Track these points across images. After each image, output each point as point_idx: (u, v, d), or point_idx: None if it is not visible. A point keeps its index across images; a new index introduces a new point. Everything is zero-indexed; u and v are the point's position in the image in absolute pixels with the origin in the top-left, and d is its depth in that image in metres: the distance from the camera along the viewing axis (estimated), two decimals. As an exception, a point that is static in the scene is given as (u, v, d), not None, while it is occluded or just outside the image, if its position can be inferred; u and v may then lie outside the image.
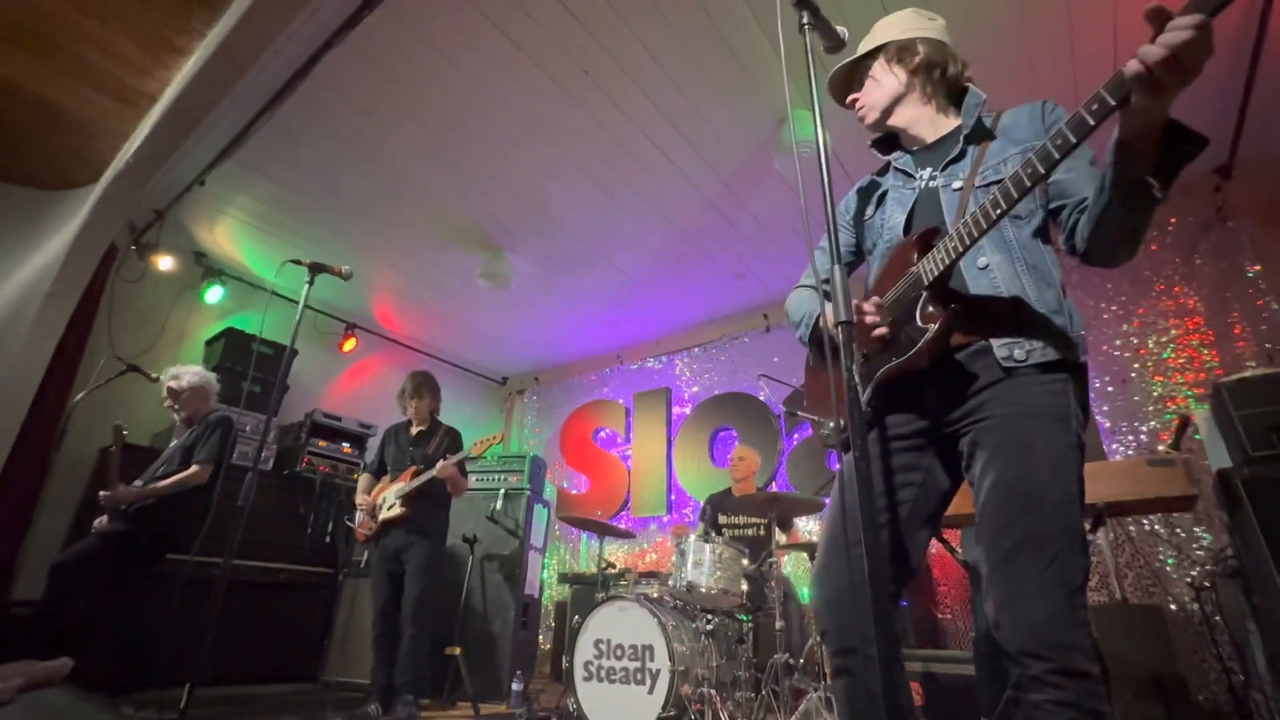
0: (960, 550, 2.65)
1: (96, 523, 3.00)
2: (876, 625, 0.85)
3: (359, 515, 3.34)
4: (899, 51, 1.33)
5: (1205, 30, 0.77)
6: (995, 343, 1.09)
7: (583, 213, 4.00)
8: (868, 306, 1.17)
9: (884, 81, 1.34)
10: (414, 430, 3.47)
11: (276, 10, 2.45)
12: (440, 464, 3.13)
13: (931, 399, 1.17)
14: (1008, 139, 1.22)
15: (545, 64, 2.93)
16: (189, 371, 3.35)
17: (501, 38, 2.79)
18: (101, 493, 2.92)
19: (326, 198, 3.91)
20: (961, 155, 1.26)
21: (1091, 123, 0.88)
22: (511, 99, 3.13)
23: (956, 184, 1.22)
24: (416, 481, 3.17)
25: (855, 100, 1.40)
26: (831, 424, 1.27)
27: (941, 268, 1.09)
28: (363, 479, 3.48)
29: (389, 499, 3.23)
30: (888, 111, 1.35)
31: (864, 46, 1.38)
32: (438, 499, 3.27)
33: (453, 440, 3.40)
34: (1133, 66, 0.81)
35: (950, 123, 1.32)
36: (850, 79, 1.42)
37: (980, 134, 1.25)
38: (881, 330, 1.15)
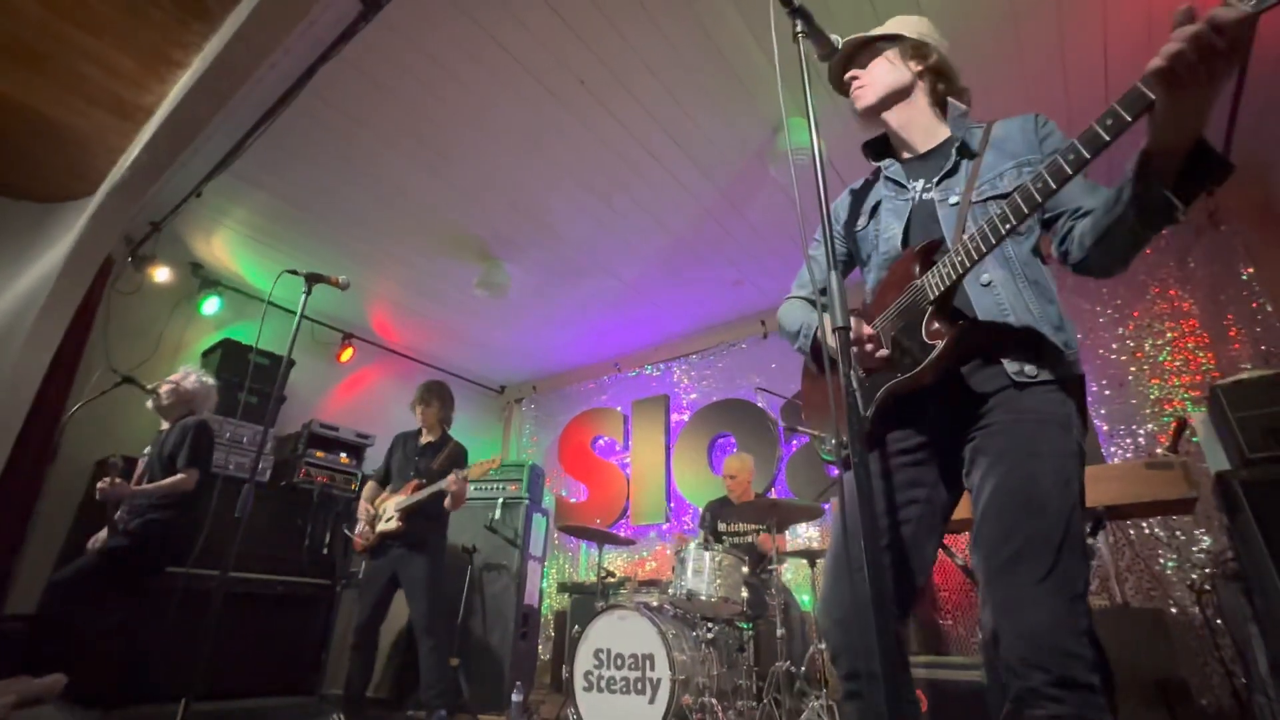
0: (959, 556, 2.65)
1: (91, 541, 2.97)
2: (882, 648, 0.84)
3: (359, 524, 3.31)
4: (915, 48, 1.32)
5: (1218, 28, 0.74)
6: (1005, 360, 1.09)
7: (580, 222, 4.01)
8: (867, 331, 1.17)
9: (891, 70, 1.32)
10: (423, 440, 3.45)
11: (273, 24, 2.46)
12: (450, 478, 3.11)
13: (934, 413, 1.16)
14: (1000, 152, 1.21)
15: (541, 75, 2.94)
16: (194, 375, 3.34)
17: (497, 49, 2.81)
18: (99, 483, 2.87)
19: (323, 209, 3.91)
20: (955, 169, 1.25)
21: (1106, 138, 0.87)
22: (507, 110, 3.14)
23: (953, 198, 1.21)
24: (418, 496, 3.14)
25: (854, 77, 1.35)
26: (832, 440, 1.26)
27: (948, 283, 1.08)
28: (368, 487, 3.46)
29: (388, 511, 3.20)
30: (885, 102, 1.33)
31: (880, 31, 1.35)
32: (435, 514, 3.25)
33: (459, 457, 3.39)
34: (1154, 61, 0.79)
35: (942, 132, 1.32)
36: (853, 58, 1.37)
37: (968, 151, 1.26)
38: (884, 353, 1.15)
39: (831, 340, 0.98)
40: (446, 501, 3.18)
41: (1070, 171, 0.91)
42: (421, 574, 3.08)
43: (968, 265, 1.05)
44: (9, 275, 3.60)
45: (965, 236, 1.07)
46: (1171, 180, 0.88)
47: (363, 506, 3.33)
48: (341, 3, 2.48)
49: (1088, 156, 0.89)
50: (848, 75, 1.36)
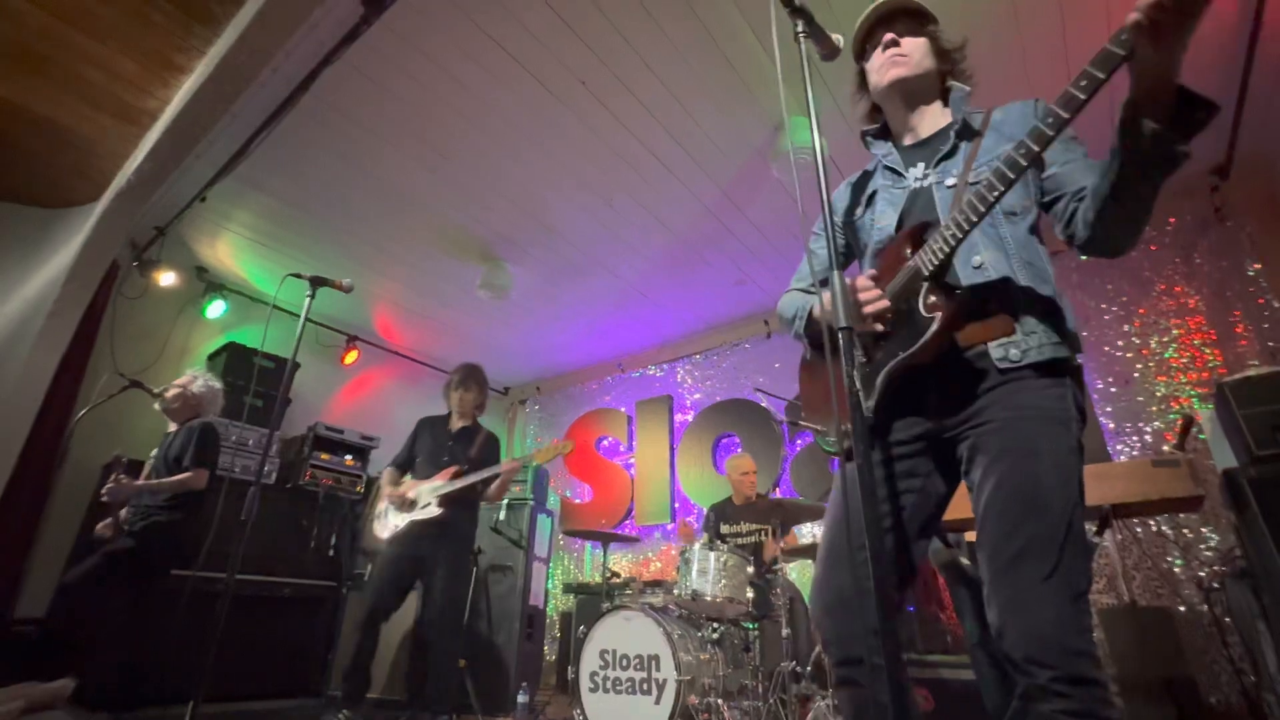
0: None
1: (99, 526, 2.98)
2: (883, 633, 0.84)
3: (384, 508, 3.08)
4: (955, 51, 1.32)
5: None
6: (991, 345, 1.09)
7: (582, 222, 4.01)
8: (862, 282, 1.15)
9: (929, 57, 1.31)
10: (455, 426, 3.30)
11: (276, 27, 2.47)
12: (508, 461, 3.00)
13: (933, 402, 1.16)
14: (1000, 135, 1.21)
15: (543, 76, 2.95)
16: (201, 378, 3.34)
17: (499, 51, 2.81)
18: (107, 485, 2.88)
19: (327, 212, 3.93)
20: (954, 152, 1.25)
21: (1081, 97, 0.89)
22: (509, 111, 3.15)
23: (950, 181, 1.21)
24: (469, 479, 2.98)
25: (895, 41, 1.30)
26: (834, 432, 1.25)
27: (941, 257, 1.08)
28: (387, 473, 3.26)
29: (424, 497, 3.01)
30: (913, 83, 1.30)
31: (928, 7, 1.33)
32: (472, 504, 3.13)
33: (494, 446, 3.27)
34: (1132, 16, 0.83)
35: (943, 119, 1.32)
36: (891, 20, 1.33)
37: (969, 132, 1.26)
38: (881, 304, 1.13)
39: (829, 304, 0.99)
40: (491, 488, 3.06)
41: (1051, 134, 0.94)
42: (453, 567, 2.96)
43: (960, 236, 1.06)
44: (16, 280, 3.63)
45: (955, 210, 1.07)
46: (1164, 123, 0.89)
47: (391, 493, 3.10)
48: (343, 6, 2.49)
49: (1065, 116, 0.92)
50: (889, 36, 1.30)
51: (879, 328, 1.15)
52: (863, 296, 1.14)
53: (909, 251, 1.15)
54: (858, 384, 0.93)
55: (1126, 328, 3.56)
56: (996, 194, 1.00)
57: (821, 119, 1.10)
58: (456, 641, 2.97)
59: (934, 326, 1.08)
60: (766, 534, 3.61)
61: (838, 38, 1.19)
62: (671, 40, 2.77)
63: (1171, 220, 3.56)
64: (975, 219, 1.03)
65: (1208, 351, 3.31)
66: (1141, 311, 3.55)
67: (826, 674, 2.71)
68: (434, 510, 2.95)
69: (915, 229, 1.17)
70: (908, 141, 1.35)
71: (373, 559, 3.50)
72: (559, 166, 3.53)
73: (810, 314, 1.32)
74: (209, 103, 2.78)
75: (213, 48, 2.69)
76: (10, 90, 2.88)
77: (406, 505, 3.03)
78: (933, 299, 1.10)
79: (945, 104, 1.34)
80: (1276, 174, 3.27)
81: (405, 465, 3.28)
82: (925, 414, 1.18)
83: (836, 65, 1.33)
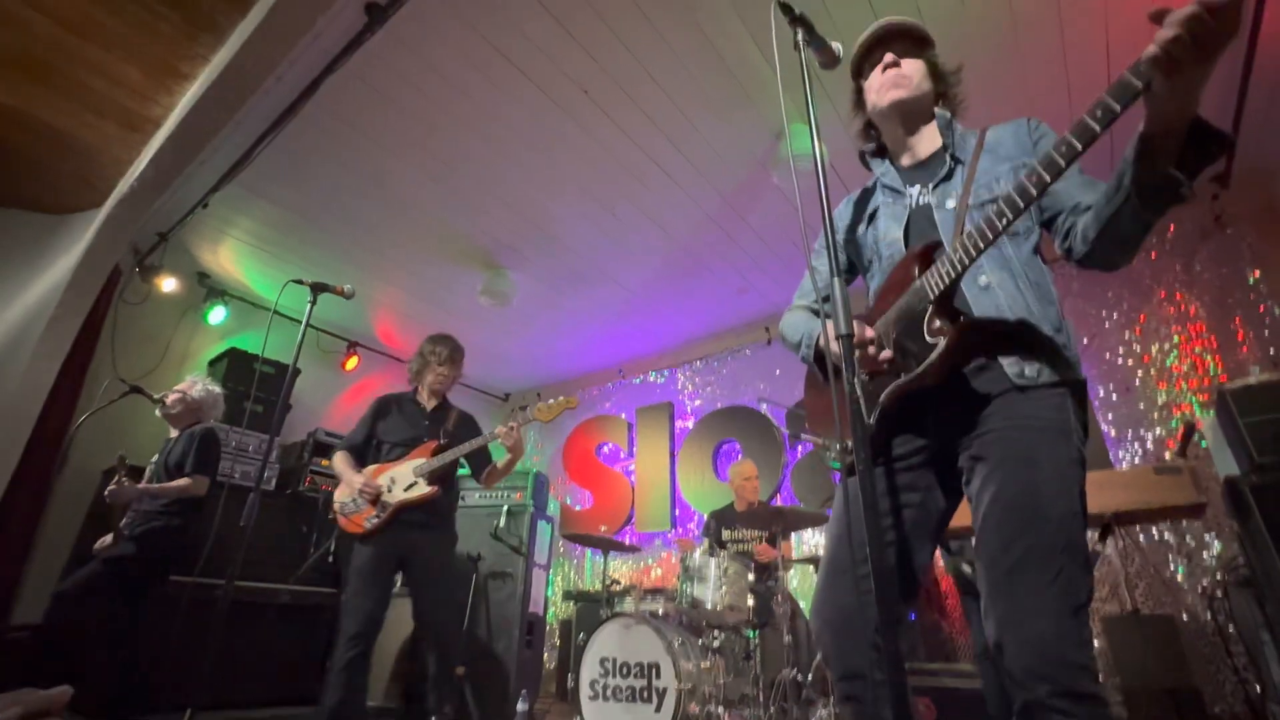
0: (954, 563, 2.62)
1: (98, 544, 2.97)
2: (886, 649, 0.84)
3: (347, 496, 2.67)
4: (948, 74, 1.34)
5: (1213, 6, 0.74)
6: (1004, 360, 1.09)
7: (583, 230, 4.02)
8: (869, 334, 1.16)
9: (926, 79, 1.32)
10: (428, 403, 2.98)
11: (279, 36, 2.49)
12: (502, 427, 2.70)
13: (932, 417, 1.16)
14: (995, 156, 1.22)
15: (545, 85, 2.96)
16: (202, 384, 3.34)
17: (501, 60, 2.83)
18: (109, 488, 2.86)
19: (328, 218, 3.94)
20: (950, 175, 1.26)
21: (1097, 129, 0.87)
22: (511, 119, 3.16)
23: (950, 203, 1.22)
24: (455, 452, 2.69)
25: (896, 63, 1.31)
26: (836, 445, 1.25)
27: (947, 281, 1.08)
28: (341, 457, 2.79)
29: (405, 476, 2.67)
30: (911, 104, 1.31)
31: (927, 32, 1.35)
32: (453, 487, 2.89)
33: (471, 422, 3.04)
34: (1149, 50, 0.80)
35: (939, 140, 1.33)
36: (890, 42, 1.34)
37: (960, 157, 1.27)
38: (886, 355, 1.14)
39: (835, 346, 0.98)
40: (500, 463, 2.85)
41: (1063, 164, 0.92)
42: (446, 557, 2.75)
43: (966, 262, 1.05)
44: (18, 285, 3.64)
45: (963, 235, 1.07)
46: (1173, 158, 0.87)
47: (355, 479, 2.66)
48: (347, 15, 2.51)
49: (1079, 148, 0.89)
50: (890, 57, 1.32)
51: (888, 359, 1.15)
52: (870, 352, 1.15)
53: (916, 271, 1.15)
54: (860, 398, 0.93)
55: (1127, 335, 3.56)
56: (1006, 221, 0.99)
57: (821, 127, 1.11)
58: (456, 645, 2.87)
59: (937, 351, 1.08)
60: (768, 542, 3.60)
61: (837, 46, 1.20)
62: (673, 49, 2.79)
63: (1172, 228, 3.56)
64: (984, 244, 1.02)
65: (1209, 359, 3.31)
66: (1142, 319, 3.55)
67: (828, 683, 2.70)
68: (423, 488, 2.62)
69: (925, 248, 1.17)
70: (905, 162, 1.36)
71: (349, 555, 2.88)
72: (561, 174, 3.54)
73: (818, 340, 1.31)
74: (212, 110, 2.79)
75: (217, 55, 2.71)
76: (15, 97, 2.89)
77: (381, 492, 2.65)
78: (937, 323, 1.10)
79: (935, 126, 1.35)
80: (1276, 182, 3.28)
81: (361, 448, 2.85)
82: (923, 429, 1.18)
83: (836, 74, 1.34)
